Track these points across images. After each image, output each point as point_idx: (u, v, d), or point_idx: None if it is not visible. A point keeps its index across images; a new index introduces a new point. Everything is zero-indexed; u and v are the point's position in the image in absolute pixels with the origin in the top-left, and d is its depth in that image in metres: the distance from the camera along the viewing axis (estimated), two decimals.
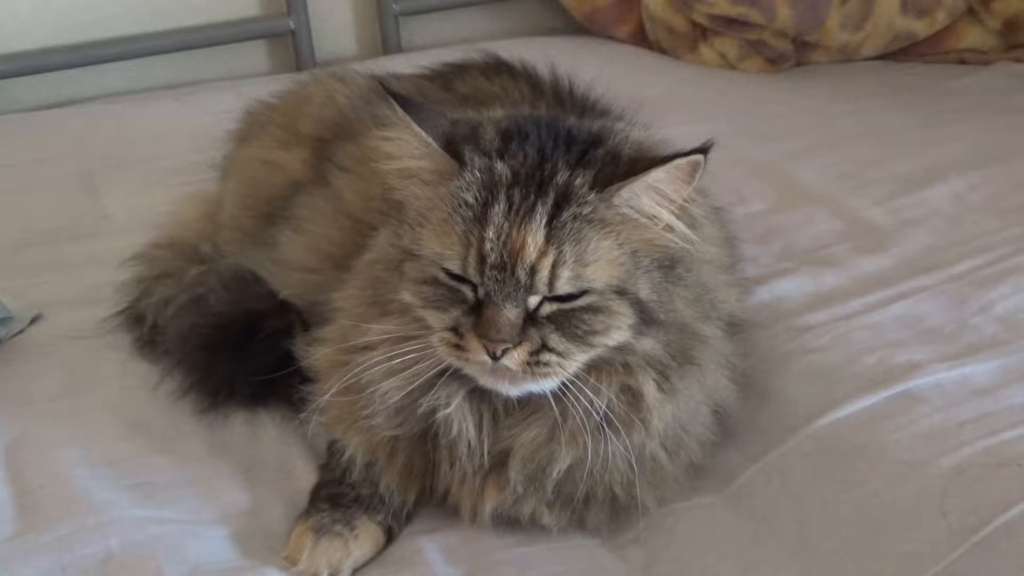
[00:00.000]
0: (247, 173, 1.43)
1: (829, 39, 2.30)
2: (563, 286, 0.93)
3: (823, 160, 1.81)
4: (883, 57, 2.35)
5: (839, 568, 0.98)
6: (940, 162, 1.75)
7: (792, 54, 2.34)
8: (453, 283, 0.96)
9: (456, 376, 1.00)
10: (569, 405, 0.97)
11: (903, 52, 2.34)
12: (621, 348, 0.97)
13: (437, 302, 0.97)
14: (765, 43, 2.32)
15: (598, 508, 1.06)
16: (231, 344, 1.24)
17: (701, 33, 2.39)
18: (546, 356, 0.94)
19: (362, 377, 1.01)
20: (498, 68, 1.48)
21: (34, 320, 1.43)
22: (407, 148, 0.98)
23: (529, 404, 1.01)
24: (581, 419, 0.97)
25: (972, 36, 2.30)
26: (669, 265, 0.98)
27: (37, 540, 1.03)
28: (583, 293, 0.94)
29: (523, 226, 0.92)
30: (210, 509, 1.09)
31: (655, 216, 0.95)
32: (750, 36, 2.32)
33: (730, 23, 2.32)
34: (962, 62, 2.31)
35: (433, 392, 1.01)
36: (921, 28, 2.28)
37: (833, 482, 1.05)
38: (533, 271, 0.92)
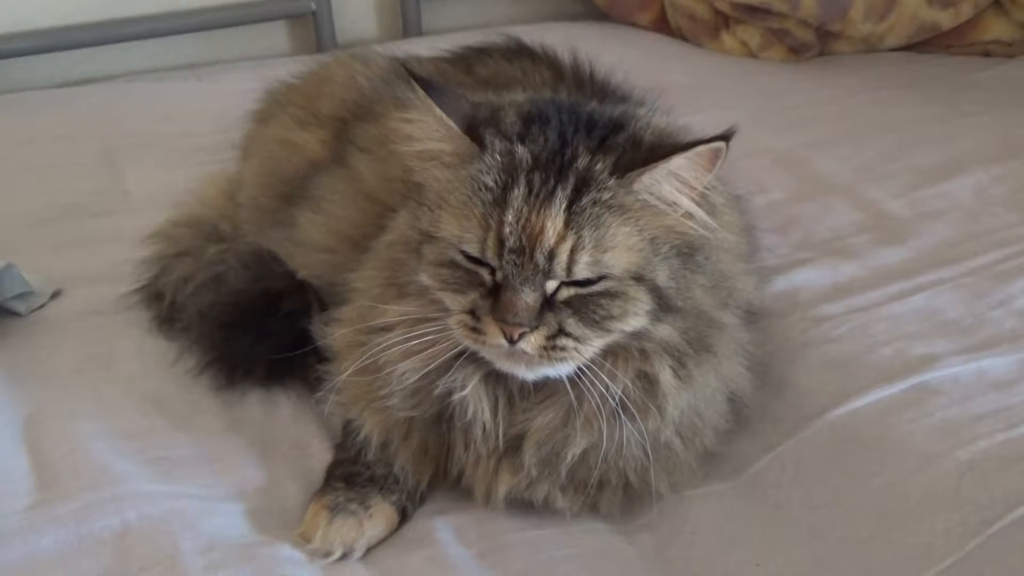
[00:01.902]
0: (267, 153, 1.43)
1: (852, 29, 2.29)
2: (581, 271, 0.93)
3: (844, 151, 1.81)
4: (907, 48, 2.33)
5: (852, 558, 0.98)
6: (962, 155, 1.74)
7: (815, 44, 2.33)
8: (471, 266, 0.96)
9: (473, 359, 1.00)
10: (585, 390, 0.97)
11: (927, 43, 2.32)
12: (638, 334, 0.97)
13: (455, 285, 0.97)
14: (788, 32, 2.31)
15: (611, 493, 1.06)
16: (249, 323, 1.24)
17: (723, 21, 2.37)
18: (563, 341, 0.94)
19: (379, 358, 1.01)
20: (519, 52, 1.48)
21: (54, 295, 1.44)
22: (428, 130, 0.98)
23: (545, 388, 1.01)
24: (596, 404, 0.98)
25: (997, 28, 2.28)
26: (688, 252, 0.98)
27: (55, 512, 1.04)
28: (601, 278, 0.94)
29: (542, 210, 0.92)
30: (226, 485, 1.10)
31: (675, 203, 0.94)
32: (773, 25, 2.31)
33: (753, 11, 2.31)
34: (986, 54, 2.29)
35: (449, 374, 1.01)
36: (946, 19, 2.26)
37: (847, 472, 1.05)
38: (552, 256, 0.92)
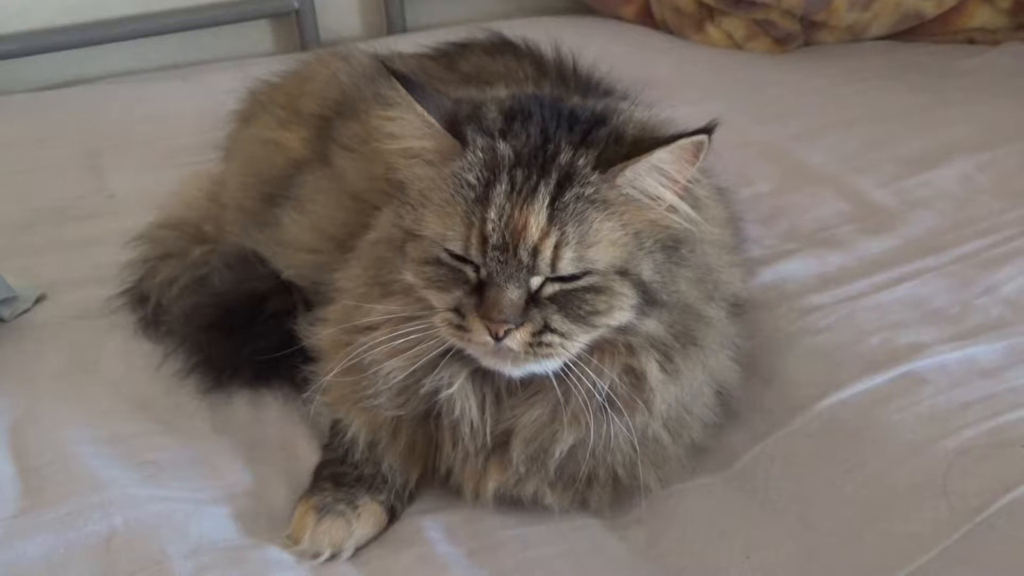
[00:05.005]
0: (249, 153, 1.43)
1: (837, 19, 2.29)
2: (566, 267, 0.93)
3: (829, 141, 1.81)
4: (891, 37, 2.33)
5: (841, 548, 0.98)
6: (947, 143, 1.74)
7: (800, 34, 2.33)
8: (455, 264, 0.95)
9: (459, 356, 1.00)
10: (572, 386, 0.97)
11: (912, 32, 2.32)
12: (624, 329, 0.97)
13: (439, 282, 0.96)
14: (772, 23, 2.31)
15: (600, 488, 1.06)
16: (234, 324, 1.24)
17: (708, 13, 2.37)
18: (548, 337, 0.94)
19: (365, 357, 1.01)
20: (502, 47, 1.47)
21: (39, 300, 1.44)
22: (409, 128, 0.98)
23: (532, 385, 1.01)
24: (584, 400, 0.97)
25: (981, 16, 2.28)
26: (672, 246, 0.98)
27: (41, 518, 1.03)
28: (585, 274, 0.93)
29: (525, 207, 0.92)
30: (213, 488, 1.10)
31: (658, 197, 0.94)
32: (757, 16, 2.31)
33: (737, 2, 2.30)
34: (971, 42, 2.29)
35: (436, 372, 1.01)
36: (930, 7, 2.27)
37: (836, 463, 1.05)
38: (535, 252, 0.92)
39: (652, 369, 1.00)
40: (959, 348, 1.17)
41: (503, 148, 0.95)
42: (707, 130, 0.92)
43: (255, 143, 1.42)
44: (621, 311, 0.95)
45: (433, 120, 0.96)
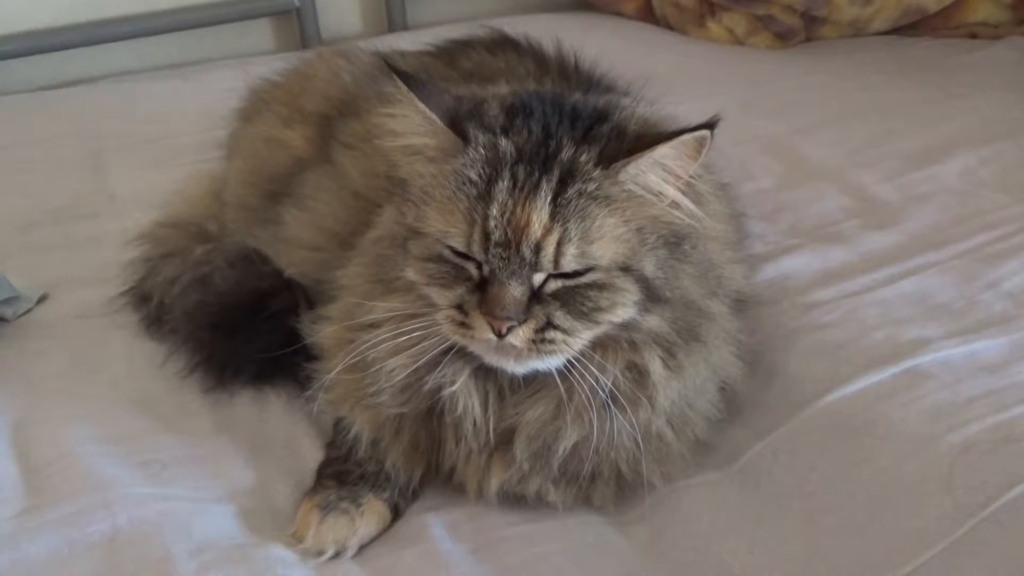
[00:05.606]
0: (251, 151, 1.43)
1: (838, 14, 2.28)
2: (568, 263, 0.92)
3: (832, 136, 1.80)
4: (893, 32, 2.33)
5: (845, 544, 0.97)
6: (949, 137, 1.74)
7: (801, 29, 2.32)
8: (458, 261, 0.95)
9: (462, 354, 1.00)
10: (575, 383, 0.97)
11: (913, 26, 2.32)
12: (627, 325, 0.97)
13: (442, 280, 0.96)
14: (773, 18, 2.30)
15: (604, 485, 1.06)
16: (237, 322, 1.24)
17: (709, 8, 2.37)
18: (551, 333, 0.94)
19: (368, 355, 1.01)
20: (503, 44, 1.47)
21: (41, 300, 1.44)
22: (411, 125, 0.98)
23: (535, 382, 1.01)
24: (587, 397, 0.97)
25: (983, 10, 2.28)
26: (675, 242, 0.97)
27: (44, 517, 1.03)
28: (588, 270, 0.93)
29: (528, 203, 0.92)
30: (216, 486, 1.10)
31: (661, 192, 0.94)
32: (758, 11, 2.30)
33: None
34: (973, 36, 2.28)
35: (439, 370, 1.01)
36: (932, 2, 2.26)
37: (840, 459, 1.05)
38: (538, 248, 0.92)
39: (655, 365, 0.99)
40: (963, 343, 1.17)
41: (505, 145, 0.95)
42: (709, 125, 0.91)
43: (257, 141, 1.42)
44: (624, 307, 0.95)
45: (435, 117, 0.96)
